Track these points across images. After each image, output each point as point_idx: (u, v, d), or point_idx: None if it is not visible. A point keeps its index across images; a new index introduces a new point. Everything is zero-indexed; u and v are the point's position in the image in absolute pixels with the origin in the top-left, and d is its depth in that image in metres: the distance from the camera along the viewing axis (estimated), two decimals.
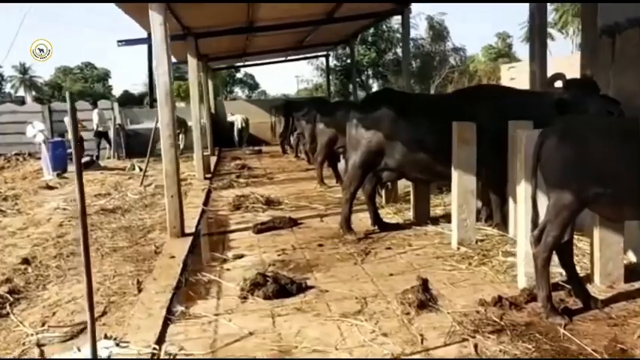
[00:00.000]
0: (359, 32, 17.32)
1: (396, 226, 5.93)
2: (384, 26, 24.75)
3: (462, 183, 4.86)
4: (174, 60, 22.15)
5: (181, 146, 16.91)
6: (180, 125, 16.29)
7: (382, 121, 5.37)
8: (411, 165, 5.36)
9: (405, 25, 11.38)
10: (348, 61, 27.03)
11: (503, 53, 39.75)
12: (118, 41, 10.77)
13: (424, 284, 3.94)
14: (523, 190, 3.72)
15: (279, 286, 4.07)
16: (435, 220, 6.06)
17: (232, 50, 15.62)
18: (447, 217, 6.17)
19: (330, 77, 24.13)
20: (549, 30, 33.00)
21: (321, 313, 3.74)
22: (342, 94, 24.86)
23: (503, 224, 5.30)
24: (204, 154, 11.94)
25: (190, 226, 6.37)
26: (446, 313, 3.59)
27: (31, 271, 5.51)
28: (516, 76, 14.75)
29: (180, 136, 16.62)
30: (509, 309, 3.54)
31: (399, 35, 27.11)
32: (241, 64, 23.91)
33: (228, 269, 4.96)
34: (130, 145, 17.65)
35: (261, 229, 6.26)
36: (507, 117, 4.93)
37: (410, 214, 6.41)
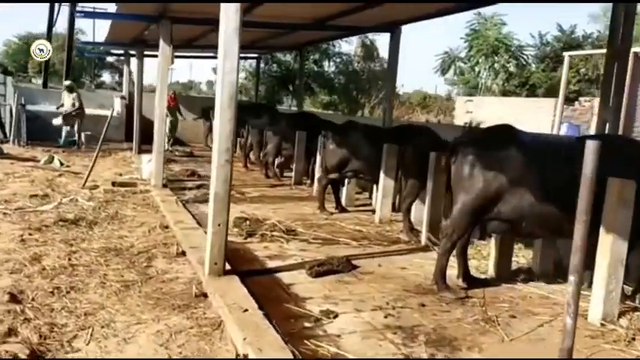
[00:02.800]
0: (314, 42, 16.46)
1: (484, 282, 5.16)
2: None
3: (615, 250, 4.20)
4: (102, 40, 19.71)
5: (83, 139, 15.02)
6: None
7: (509, 163, 4.56)
8: (533, 218, 4.60)
9: (395, 44, 10.75)
10: (275, 66, 25.99)
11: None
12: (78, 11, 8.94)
13: None
14: None
15: None
16: (518, 275, 5.38)
17: (185, 39, 13.95)
18: (525, 273, 5.53)
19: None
20: (460, 64, 34.27)
21: None
22: (269, 101, 23.70)
23: None
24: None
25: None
26: None
27: (32, 315, 3.98)
28: (474, 110, 14.82)
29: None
30: None
31: (333, 48, 26.62)
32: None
33: (337, 335, 3.86)
34: (30, 130, 15.19)
35: (319, 272, 5.16)
36: None
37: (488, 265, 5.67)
